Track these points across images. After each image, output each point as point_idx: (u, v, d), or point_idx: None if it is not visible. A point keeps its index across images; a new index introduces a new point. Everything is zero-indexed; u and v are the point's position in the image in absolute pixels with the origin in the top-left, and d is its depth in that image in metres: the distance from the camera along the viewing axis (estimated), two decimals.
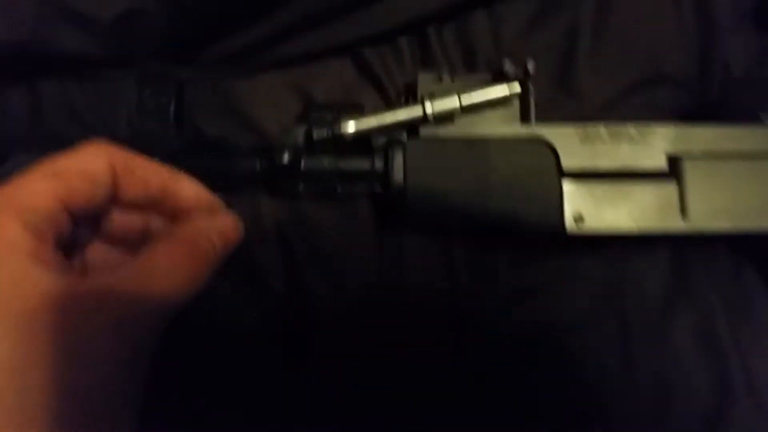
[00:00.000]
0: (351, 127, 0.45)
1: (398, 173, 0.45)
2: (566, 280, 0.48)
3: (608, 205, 0.44)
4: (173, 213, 0.35)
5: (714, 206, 0.44)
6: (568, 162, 0.44)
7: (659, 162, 0.44)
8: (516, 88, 0.45)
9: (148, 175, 0.33)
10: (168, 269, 0.30)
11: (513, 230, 0.45)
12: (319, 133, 0.45)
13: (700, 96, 0.49)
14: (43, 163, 0.30)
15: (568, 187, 0.44)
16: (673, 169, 0.44)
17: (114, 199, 0.33)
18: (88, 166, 0.31)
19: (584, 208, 0.44)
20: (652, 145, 0.44)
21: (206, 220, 0.34)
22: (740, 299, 0.48)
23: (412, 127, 0.46)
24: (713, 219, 0.43)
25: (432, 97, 0.45)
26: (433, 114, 0.44)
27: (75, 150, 0.31)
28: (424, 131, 0.46)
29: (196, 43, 0.48)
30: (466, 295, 0.47)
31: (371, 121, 0.45)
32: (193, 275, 0.31)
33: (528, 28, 0.50)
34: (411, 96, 0.48)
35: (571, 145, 0.44)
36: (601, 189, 0.44)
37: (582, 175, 0.44)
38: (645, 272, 0.48)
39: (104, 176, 0.31)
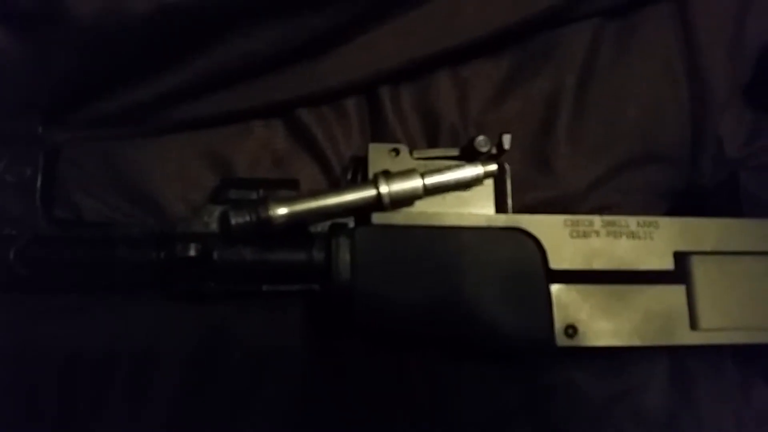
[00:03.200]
0: (282, 210, 0.34)
1: (344, 268, 0.36)
2: (552, 401, 0.39)
3: (606, 314, 0.36)
4: None
5: (726, 313, 0.37)
6: (557, 261, 0.36)
7: (665, 261, 0.36)
8: (492, 168, 0.37)
9: None
10: None
11: (488, 343, 0.37)
12: (238, 218, 0.35)
13: (691, 176, 0.43)
14: None
15: (557, 292, 0.36)
16: (681, 269, 0.37)
17: None
18: None
19: (577, 318, 0.36)
20: (656, 240, 0.36)
21: None
22: (750, 414, 0.41)
23: (361, 211, 0.37)
24: (726, 329, 0.37)
25: (388, 176, 0.36)
26: (390, 197, 0.35)
27: None
28: (377, 217, 0.36)
29: (74, 97, 0.38)
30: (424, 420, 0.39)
31: (309, 204, 0.35)
32: None
33: (499, 95, 0.43)
34: (359, 171, 0.40)
35: (561, 240, 0.36)
36: (596, 295, 0.36)
37: (574, 277, 0.36)
38: (643, 386, 0.41)
39: None
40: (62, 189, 0.39)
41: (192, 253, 0.35)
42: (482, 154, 0.37)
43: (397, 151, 0.38)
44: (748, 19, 0.44)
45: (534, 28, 0.41)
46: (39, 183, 0.37)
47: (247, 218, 0.35)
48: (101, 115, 0.38)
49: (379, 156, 0.38)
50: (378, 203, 0.36)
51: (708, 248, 0.37)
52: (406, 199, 0.36)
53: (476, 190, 0.38)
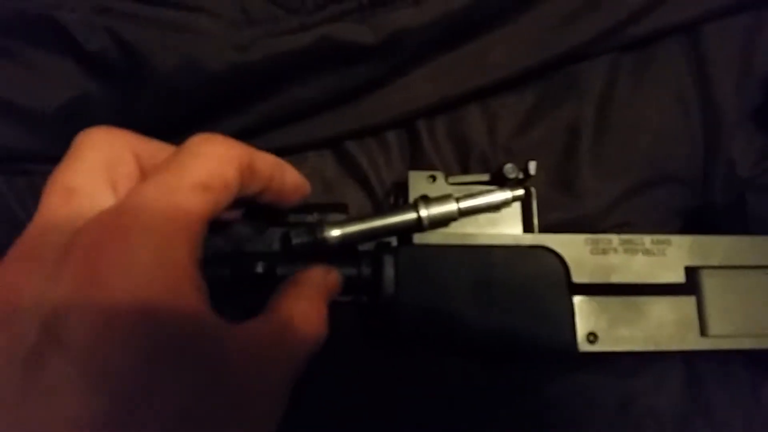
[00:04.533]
0: (336, 232, 0.39)
1: (389, 283, 0.40)
2: (575, 403, 0.43)
3: (623, 322, 0.40)
4: (274, 199, 0.34)
5: (734, 321, 0.40)
6: (578, 275, 0.40)
7: (677, 275, 0.40)
8: (519, 192, 0.41)
9: (265, 168, 0.32)
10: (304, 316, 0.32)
11: (518, 349, 0.40)
12: (298, 238, 0.40)
13: (704, 195, 0.47)
14: (182, 170, 0.27)
15: (579, 303, 0.40)
16: (691, 282, 0.40)
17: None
18: (227, 176, 0.28)
19: (597, 326, 0.40)
20: (668, 256, 0.40)
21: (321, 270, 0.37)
22: (760, 415, 0.44)
23: (403, 232, 0.41)
24: (734, 336, 0.40)
25: (427, 201, 0.40)
26: (428, 220, 0.40)
27: (202, 152, 0.28)
28: (417, 237, 0.41)
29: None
30: (464, 420, 0.43)
31: (359, 226, 0.40)
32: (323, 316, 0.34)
33: (525, 124, 0.47)
34: (401, 195, 0.44)
35: (582, 256, 0.40)
36: (615, 305, 0.40)
37: (594, 290, 0.40)
38: (657, 387, 0.44)
39: (236, 184, 0.29)
40: None
41: (259, 269, 0.39)
42: (510, 179, 0.41)
43: (434, 178, 0.42)
44: (755, 51, 0.47)
45: (555, 67, 0.45)
46: None
47: (306, 238, 0.40)
48: None
49: (418, 182, 0.42)
50: (418, 225, 0.40)
51: (716, 263, 0.40)
52: (442, 221, 0.40)
53: (506, 212, 0.42)
